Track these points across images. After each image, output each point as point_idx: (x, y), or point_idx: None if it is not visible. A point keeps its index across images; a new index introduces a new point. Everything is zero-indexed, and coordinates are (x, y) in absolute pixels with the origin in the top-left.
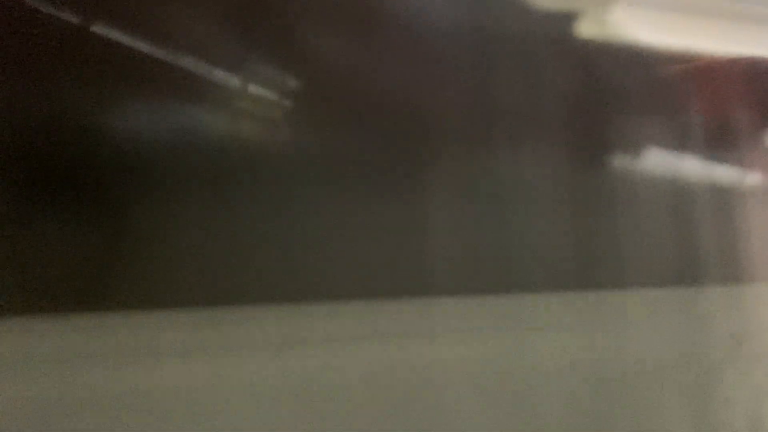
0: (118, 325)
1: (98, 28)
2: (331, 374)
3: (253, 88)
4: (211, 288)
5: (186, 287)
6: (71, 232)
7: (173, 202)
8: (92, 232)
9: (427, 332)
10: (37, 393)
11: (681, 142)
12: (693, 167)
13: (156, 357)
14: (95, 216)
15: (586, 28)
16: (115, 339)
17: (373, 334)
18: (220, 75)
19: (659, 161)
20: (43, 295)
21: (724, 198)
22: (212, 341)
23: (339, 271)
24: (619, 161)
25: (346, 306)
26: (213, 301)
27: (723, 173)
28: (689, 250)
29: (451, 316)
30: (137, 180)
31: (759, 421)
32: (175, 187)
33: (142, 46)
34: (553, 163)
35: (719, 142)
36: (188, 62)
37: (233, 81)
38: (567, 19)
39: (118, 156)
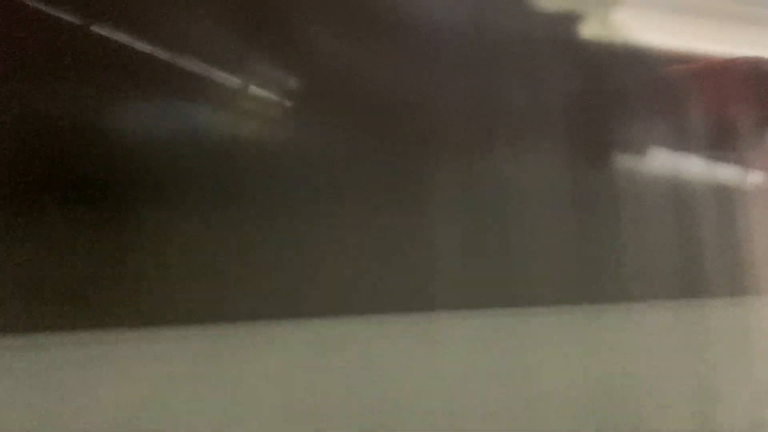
0: (119, 341)
1: (99, 29)
2: (333, 390)
3: (258, 91)
4: (212, 304)
5: (186, 301)
6: (68, 243)
7: (174, 210)
8: (90, 242)
9: (428, 346)
10: (37, 408)
11: (685, 145)
12: (697, 171)
13: (160, 374)
14: (94, 223)
15: (590, 30)
16: (116, 355)
17: (375, 349)
18: (224, 76)
19: (663, 166)
20: (41, 310)
21: (728, 204)
22: (216, 358)
23: (338, 286)
24: (623, 168)
25: (345, 321)
26: (215, 318)
27: (727, 178)
28: (694, 261)
29: (452, 331)
30: (138, 185)
31: (759, 422)
32: (176, 194)
33: (144, 46)
34: (557, 174)
35: (723, 144)
36: (191, 63)
37: (237, 83)
38: (570, 21)
39: (119, 161)
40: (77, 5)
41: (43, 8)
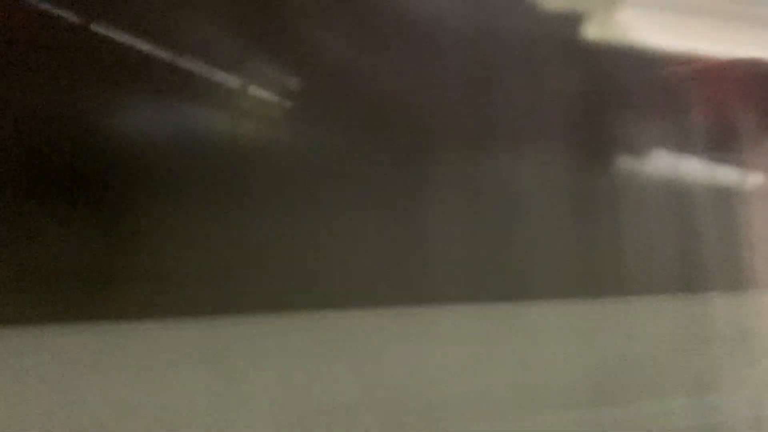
0: (117, 334)
1: (99, 29)
2: (334, 382)
3: (258, 91)
4: (210, 297)
5: (185, 295)
6: (69, 239)
7: (173, 206)
8: (91, 238)
9: (430, 340)
10: (37, 401)
11: (685, 144)
12: (697, 171)
13: (156, 366)
14: (94, 220)
15: (591, 30)
16: (114, 348)
17: (376, 342)
18: (224, 77)
19: (663, 165)
20: (41, 304)
21: (727, 202)
22: (214, 351)
23: (341, 279)
24: (624, 166)
25: (348, 314)
26: (213, 310)
27: (727, 177)
28: (694, 256)
29: (454, 324)
30: (138, 183)
31: (759, 421)
32: (175, 191)
33: (144, 46)
34: (557, 169)
35: (723, 143)
36: (192, 63)
37: (237, 83)
38: (572, 21)
39: (119, 159)
40: (77, 5)
41: (43, 8)
